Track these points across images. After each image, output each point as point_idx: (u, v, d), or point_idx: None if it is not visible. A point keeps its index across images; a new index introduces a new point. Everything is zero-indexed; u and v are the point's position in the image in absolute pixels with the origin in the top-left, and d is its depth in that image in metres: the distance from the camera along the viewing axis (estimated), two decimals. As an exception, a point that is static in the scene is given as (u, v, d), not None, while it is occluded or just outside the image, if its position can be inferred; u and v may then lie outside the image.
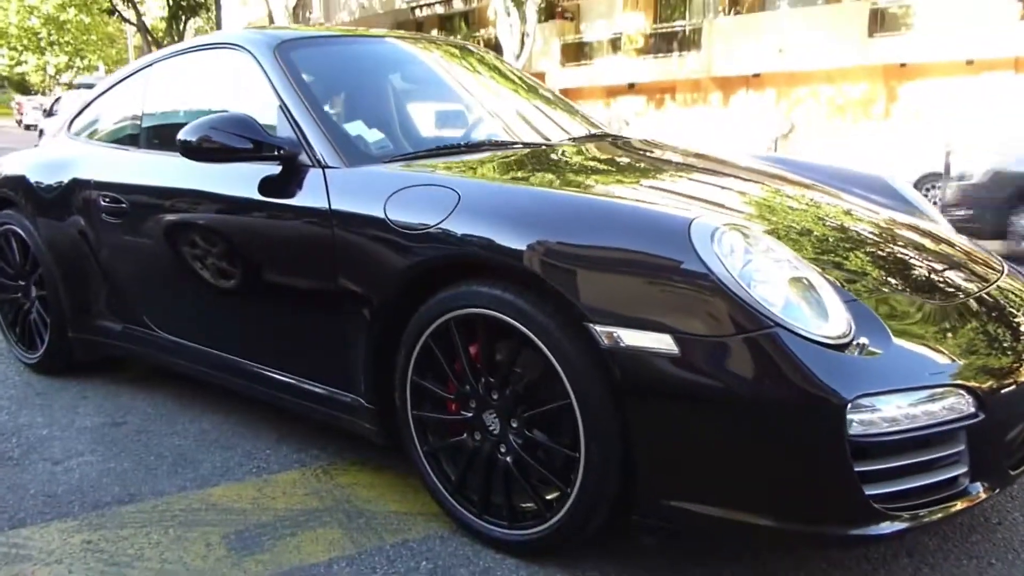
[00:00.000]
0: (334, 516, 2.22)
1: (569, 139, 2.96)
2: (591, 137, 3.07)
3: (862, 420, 1.59)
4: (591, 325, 1.74)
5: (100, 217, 3.03)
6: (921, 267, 2.11)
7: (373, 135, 2.52)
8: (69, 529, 2.18)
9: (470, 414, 2.03)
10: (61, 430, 2.85)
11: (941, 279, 2.06)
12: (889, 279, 1.97)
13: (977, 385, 1.68)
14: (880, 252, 2.14)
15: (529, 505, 1.96)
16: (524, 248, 1.85)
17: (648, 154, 3.09)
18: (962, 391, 1.66)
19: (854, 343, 1.64)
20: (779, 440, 1.62)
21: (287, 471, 2.52)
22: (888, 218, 2.49)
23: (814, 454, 1.61)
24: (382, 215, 2.12)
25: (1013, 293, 2.12)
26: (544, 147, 2.72)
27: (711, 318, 1.64)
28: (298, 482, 2.44)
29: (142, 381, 3.32)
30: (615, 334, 1.71)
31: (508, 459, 1.97)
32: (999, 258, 2.45)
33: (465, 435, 2.06)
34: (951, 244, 2.41)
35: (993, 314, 1.96)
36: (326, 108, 2.53)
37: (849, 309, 1.70)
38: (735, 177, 2.76)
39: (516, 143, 2.72)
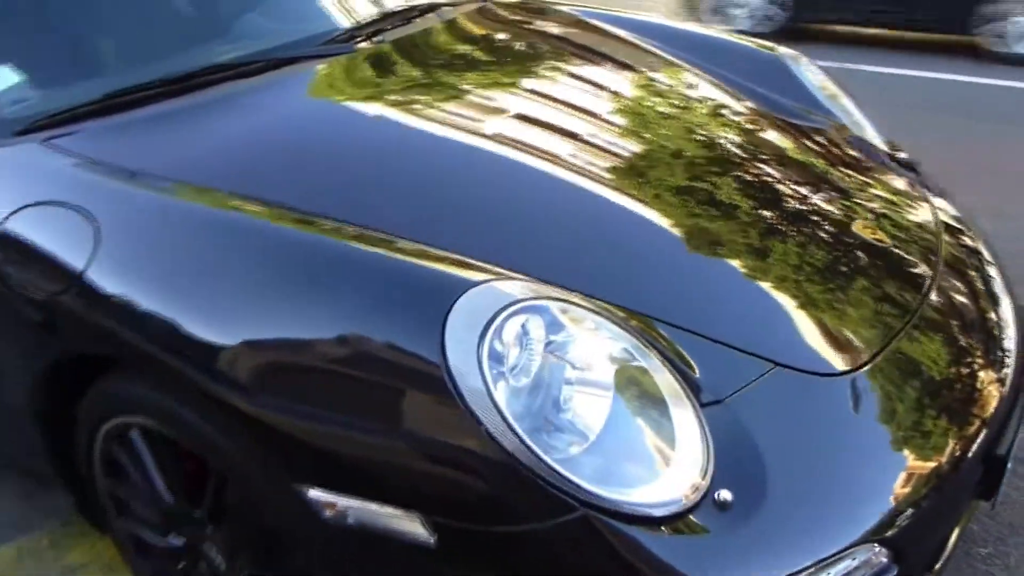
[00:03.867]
0: (50, 640, 1.64)
1: (386, 17, 2.02)
2: (423, 10, 2.10)
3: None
4: (301, 487, 1.08)
5: None
6: (824, 251, 1.44)
7: (4, 78, 1.60)
8: None
9: (181, 542, 1.40)
10: None
11: (854, 288, 1.38)
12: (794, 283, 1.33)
13: (896, 529, 1.11)
14: (773, 223, 1.47)
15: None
16: (200, 338, 1.12)
17: (522, 26, 2.23)
18: (875, 543, 1.10)
19: (711, 497, 1.03)
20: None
21: (1, 544, 1.88)
22: (782, 148, 1.77)
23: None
24: (-1, 252, 1.33)
25: (958, 285, 1.50)
26: (316, 58, 1.79)
27: (481, 489, 0.99)
28: (13, 567, 1.81)
29: None
30: (339, 505, 1.06)
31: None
32: (924, 189, 1.80)
33: (186, 563, 1.43)
34: (862, 183, 1.73)
35: (936, 362, 1.32)
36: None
37: (705, 422, 1.07)
38: (612, 62, 2.03)
39: (260, 60, 1.73)
